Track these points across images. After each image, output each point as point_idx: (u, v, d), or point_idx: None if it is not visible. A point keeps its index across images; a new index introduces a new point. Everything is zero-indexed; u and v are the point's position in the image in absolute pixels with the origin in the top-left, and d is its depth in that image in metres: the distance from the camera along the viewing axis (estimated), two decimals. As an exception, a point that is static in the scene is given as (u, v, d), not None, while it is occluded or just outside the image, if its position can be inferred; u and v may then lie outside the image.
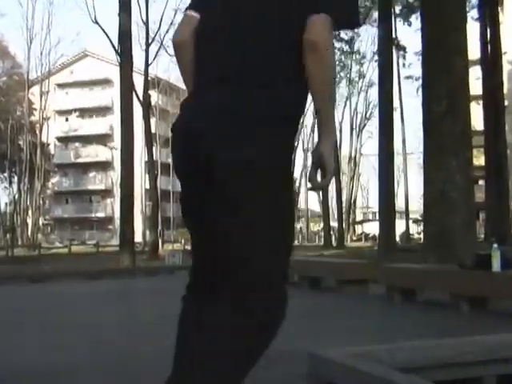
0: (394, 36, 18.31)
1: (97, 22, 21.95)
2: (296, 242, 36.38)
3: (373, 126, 40.03)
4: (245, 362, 1.23)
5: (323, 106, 1.30)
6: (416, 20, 19.76)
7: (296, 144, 40.22)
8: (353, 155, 42.90)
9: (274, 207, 1.25)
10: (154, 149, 23.08)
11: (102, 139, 45.40)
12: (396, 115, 22.31)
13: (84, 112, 47.22)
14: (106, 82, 45.34)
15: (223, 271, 1.23)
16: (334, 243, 29.94)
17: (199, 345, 1.23)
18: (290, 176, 1.32)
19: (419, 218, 38.80)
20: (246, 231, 1.23)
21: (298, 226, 54.29)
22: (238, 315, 1.21)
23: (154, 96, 34.33)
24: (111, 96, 44.00)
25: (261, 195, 1.23)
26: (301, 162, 47.11)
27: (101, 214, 46.37)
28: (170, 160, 44.93)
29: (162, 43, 26.62)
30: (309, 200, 48.70)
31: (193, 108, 1.31)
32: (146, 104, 21.33)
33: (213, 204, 1.24)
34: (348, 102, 41.39)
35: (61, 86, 46.47)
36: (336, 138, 1.44)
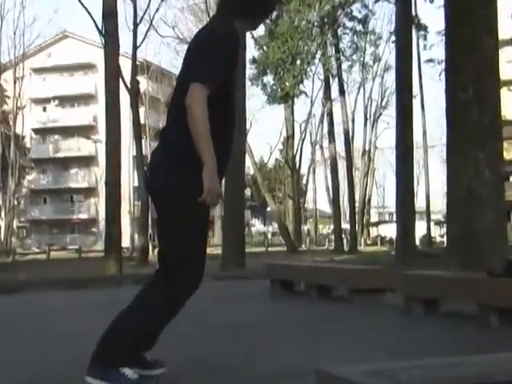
0: (413, 13, 18.29)
1: (78, -1, 21.94)
2: (303, 246, 36.40)
3: (389, 115, 39.87)
4: (165, 311, 2.33)
5: (197, 147, 2.19)
6: (438, -5, 19.73)
7: (303, 136, 40.23)
8: (367, 148, 42.92)
9: (180, 218, 2.32)
10: (143, 142, 23.13)
11: (85, 131, 45.44)
12: (416, 103, 22.31)
13: (64, 100, 47.26)
14: (88, 67, 45.39)
15: (163, 257, 2.39)
16: (345, 247, 29.95)
17: (136, 296, 2.38)
18: (192, 196, 2.22)
19: (442, 219, 38.85)
20: (165, 233, 2.40)
21: (305, 227, 54.31)
22: (164, 283, 2.32)
23: (144, 82, 34.38)
24: (95, 82, 44.05)
25: (170, 212, 2.34)
26: (308, 155, 47.11)
27: (83, 216, 46.46)
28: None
29: (151, 23, 26.68)
30: (317, 199, 48.76)
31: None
32: (135, 91, 21.35)
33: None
34: (361, 89, 41.48)
35: (37, 70, 46.51)
36: (211, 166, 2.19)
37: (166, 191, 2.32)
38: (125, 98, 18.39)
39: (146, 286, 2.40)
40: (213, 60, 2.23)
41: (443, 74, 8.36)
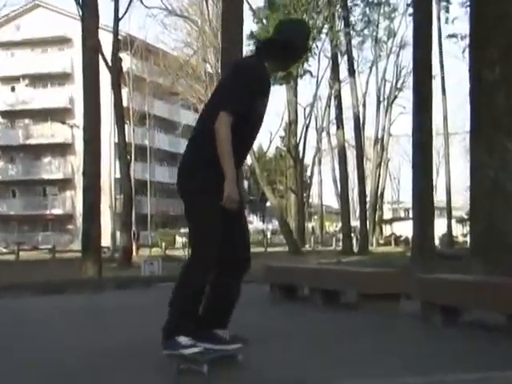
0: (433, -18, 18.25)
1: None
2: (307, 246, 36.47)
3: (405, 98, 39.91)
4: (193, 283, 3.23)
5: (221, 160, 3.04)
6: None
7: (308, 122, 40.19)
8: (379, 136, 42.89)
9: (198, 219, 3.21)
10: (126, 127, 23.09)
11: (60, 115, 45.34)
12: (436, 84, 22.30)
13: (36, 79, 47.13)
14: (63, 41, 45.24)
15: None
16: (355, 248, 29.99)
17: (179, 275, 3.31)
18: (212, 197, 3.08)
19: (465, 217, 38.89)
20: (191, 229, 3.26)
21: (309, 225, 54.37)
22: (187, 267, 3.29)
23: (127, 60, 34.31)
24: (71, 59, 43.92)
25: (190, 212, 3.23)
26: (313, 143, 47.10)
27: (58, 211, 46.45)
28: (146, 142, 45.16)
29: (135, -9, 26.53)
30: (323, 193, 48.84)
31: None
32: (116, 70, 21.29)
33: None
34: (374, 68, 41.40)
35: (5, 45, 46.32)
36: (232, 177, 3.04)
37: (188, 192, 3.20)
38: (105, 78, 18.33)
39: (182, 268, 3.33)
40: (236, 90, 3.15)
41: (467, 50, 8.35)
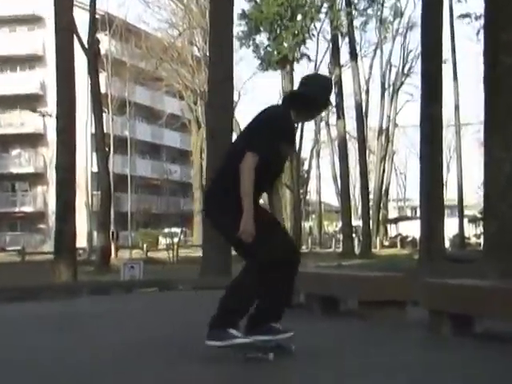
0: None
1: None
2: (304, 248, 36.53)
3: (413, 85, 39.83)
4: (250, 287, 3.80)
5: (242, 197, 3.74)
6: None
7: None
8: (384, 126, 42.97)
9: (227, 238, 4.14)
10: (104, 116, 23.02)
11: (30, 102, 45.18)
12: (446, 69, 22.33)
13: (3, 62, 46.90)
14: (34, 21, 45.05)
15: (244, 255, 3.89)
16: (356, 250, 30.07)
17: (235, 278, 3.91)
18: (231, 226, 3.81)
19: (478, 216, 39.03)
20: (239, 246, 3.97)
21: (306, 225, 54.45)
22: (246, 270, 3.87)
23: (105, 41, 34.20)
24: (42, 40, 43.73)
25: (234, 238, 3.85)
26: (311, 135, 47.14)
27: (28, 209, 46.33)
28: (126, 132, 45.07)
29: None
30: (322, 190, 48.90)
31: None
32: (93, 52, 21.21)
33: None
34: (378, 52, 41.50)
35: (-30, 25, 46.08)
36: (249, 213, 3.74)
37: (223, 227, 3.99)
38: (81, 61, 18.25)
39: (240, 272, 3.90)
40: (264, 135, 3.85)
41: (481, 32, 8.34)
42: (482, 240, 11.89)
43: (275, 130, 3.88)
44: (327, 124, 43.51)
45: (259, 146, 3.81)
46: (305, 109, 4.04)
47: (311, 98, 4.00)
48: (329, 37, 32.08)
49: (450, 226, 24.48)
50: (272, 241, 3.82)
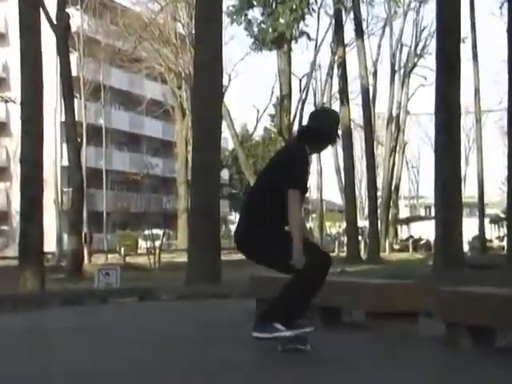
0: None
1: None
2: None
3: (427, 67, 39.86)
4: (300, 293, 4.92)
5: (292, 231, 4.81)
6: None
7: (304, 96, 40.26)
8: (394, 114, 43.09)
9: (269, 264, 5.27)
10: (75, 102, 22.96)
11: (-9, 86, 45.07)
12: (465, 49, 22.36)
13: (-39, 42, 46.76)
14: (-4, -6, 44.88)
15: (289, 271, 4.95)
16: (363, 254, 30.11)
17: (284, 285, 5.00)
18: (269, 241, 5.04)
19: (501, 215, 39.15)
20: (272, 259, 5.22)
21: (307, 225, 54.42)
22: (295, 279, 4.91)
23: (76, 17, 34.11)
24: (4, 16, 43.64)
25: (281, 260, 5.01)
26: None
27: (-11, 208, 46.23)
28: (101, 121, 45.00)
29: None
30: (323, 186, 48.90)
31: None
32: (63, 29, 21.16)
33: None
34: (387, 29, 41.54)
35: None
36: (299, 245, 4.71)
37: (262, 256, 5.02)
38: (49, 40, 18.20)
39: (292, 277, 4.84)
40: (300, 172, 4.95)
41: (505, 6, 8.35)
42: (505, 243, 11.90)
43: (304, 165, 5.11)
44: (329, 111, 43.60)
45: (299, 183, 4.87)
46: (315, 142, 5.04)
47: (320, 130, 4.99)
48: (331, 12, 32.09)
49: (469, 227, 24.55)
50: (311, 254, 4.79)
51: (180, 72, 37.96)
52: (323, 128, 5.00)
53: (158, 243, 26.55)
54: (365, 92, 30.87)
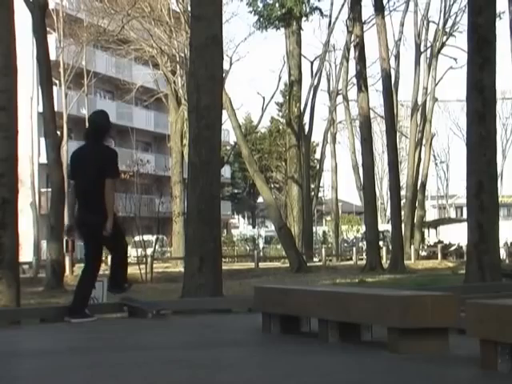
0: None
1: None
2: (316, 260, 36.63)
3: (457, 47, 39.77)
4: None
5: (107, 208, 9.46)
6: None
7: (316, 82, 40.23)
8: (420, 102, 43.04)
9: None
10: (55, 90, 23.01)
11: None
12: (501, 26, 22.33)
13: None
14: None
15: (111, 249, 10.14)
16: (385, 262, 30.12)
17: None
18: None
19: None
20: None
21: (319, 230, 54.47)
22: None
23: (54, -8, 34.20)
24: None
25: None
26: (324, 113, 47.30)
27: (-43, 211, 46.34)
28: (84, 112, 45.07)
29: None
30: (339, 185, 48.93)
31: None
32: (40, 6, 21.21)
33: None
34: (411, 4, 41.42)
35: None
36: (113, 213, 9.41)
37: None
38: (24, 18, 18.24)
39: None
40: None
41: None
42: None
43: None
44: (345, 99, 43.53)
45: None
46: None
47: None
48: (347, -15, 32.12)
49: (507, 231, 24.55)
50: None
51: (174, 55, 38.00)
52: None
53: (149, 251, 26.58)
54: (386, 77, 30.86)
